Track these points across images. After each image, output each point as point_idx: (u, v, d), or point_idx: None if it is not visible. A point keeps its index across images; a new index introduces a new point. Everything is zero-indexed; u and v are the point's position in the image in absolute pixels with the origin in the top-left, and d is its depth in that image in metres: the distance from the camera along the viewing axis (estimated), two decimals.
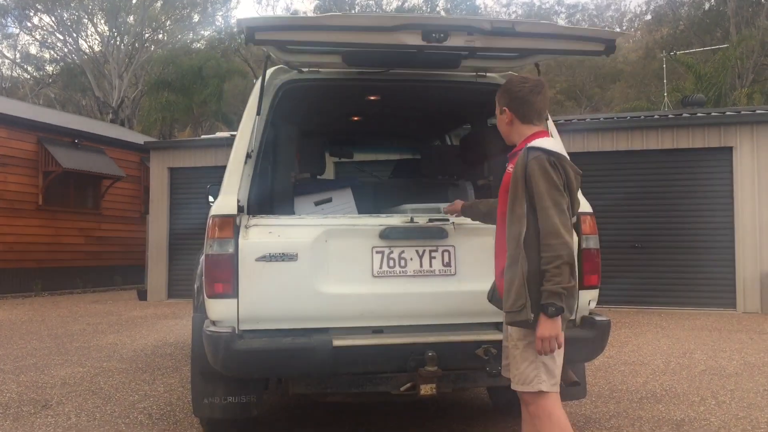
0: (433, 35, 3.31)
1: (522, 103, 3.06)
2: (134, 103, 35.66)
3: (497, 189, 4.49)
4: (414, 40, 3.35)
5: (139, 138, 21.87)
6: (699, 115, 13.19)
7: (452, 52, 3.73)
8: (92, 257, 18.25)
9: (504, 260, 3.01)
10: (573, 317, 3.03)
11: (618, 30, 39.44)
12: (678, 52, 26.44)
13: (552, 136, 3.15)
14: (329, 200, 4.72)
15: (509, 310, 2.88)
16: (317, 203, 4.69)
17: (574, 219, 3.29)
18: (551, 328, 2.78)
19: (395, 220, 3.76)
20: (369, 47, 3.55)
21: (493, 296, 3.26)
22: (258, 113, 3.85)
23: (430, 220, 3.76)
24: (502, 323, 3.27)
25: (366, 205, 4.94)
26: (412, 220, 3.73)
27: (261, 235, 3.52)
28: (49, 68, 41.05)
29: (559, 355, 2.94)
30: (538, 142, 2.96)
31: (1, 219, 15.82)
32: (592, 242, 3.83)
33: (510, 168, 3.05)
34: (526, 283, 2.83)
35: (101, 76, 36.11)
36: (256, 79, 3.98)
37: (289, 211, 4.35)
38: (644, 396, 5.58)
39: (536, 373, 2.89)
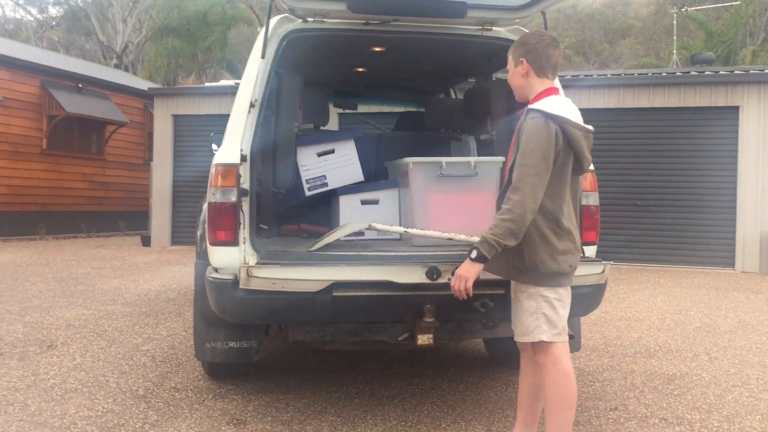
0: None
1: (539, 56, 3.07)
2: (138, 49, 35.31)
3: (500, 144, 4.53)
4: None
5: (143, 84, 21.75)
6: (707, 73, 13.07)
7: None
8: (96, 202, 18.34)
9: None
10: (571, 273, 3.04)
11: None
12: (689, 8, 26.04)
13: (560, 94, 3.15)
14: (332, 152, 4.74)
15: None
16: (320, 154, 4.72)
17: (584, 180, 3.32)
18: (467, 269, 2.94)
19: (412, 274, 3.42)
20: None
21: None
22: (262, 58, 3.84)
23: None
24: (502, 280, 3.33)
25: (368, 157, 4.96)
26: (433, 276, 3.38)
27: (264, 285, 3.39)
28: (53, 11, 40.61)
29: (564, 306, 3.01)
30: (539, 104, 2.98)
31: (5, 162, 15.85)
32: (592, 199, 3.87)
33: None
34: None
35: (105, 20, 35.69)
36: (261, 27, 3.95)
37: (292, 161, 4.37)
38: (638, 351, 5.68)
39: (537, 324, 2.97)
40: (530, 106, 3.01)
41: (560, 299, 3.00)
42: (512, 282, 3.12)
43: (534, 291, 2.98)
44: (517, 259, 2.97)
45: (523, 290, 3.02)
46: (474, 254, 2.90)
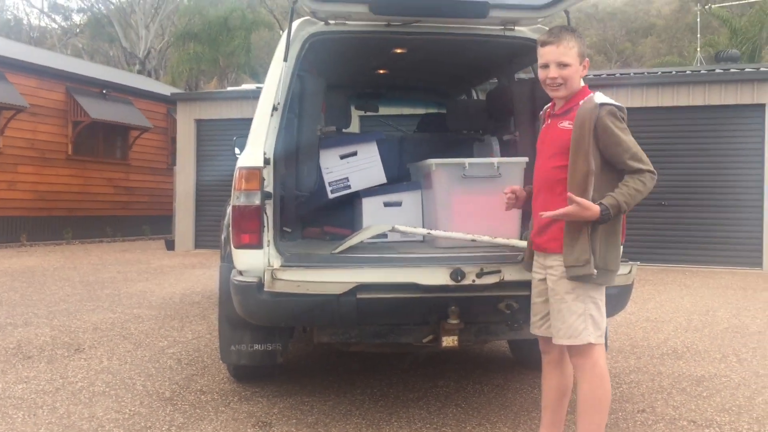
0: None
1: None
2: (161, 54, 35.66)
3: (523, 144, 4.50)
4: None
5: (165, 89, 21.94)
6: (732, 71, 12.89)
7: None
8: (121, 207, 18.53)
9: (542, 218, 2.98)
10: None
11: None
12: (713, 5, 25.71)
13: None
14: (354, 154, 4.75)
15: (573, 264, 2.85)
16: (342, 157, 4.72)
17: None
18: (581, 214, 2.80)
19: (437, 275, 3.45)
20: None
21: (525, 258, 3.28)
22: (285, 61, 3.84)
23: (480, 274, 3.46)
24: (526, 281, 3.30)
25: (391, 159, 4.96)
26: (457, 278, 3.43)
27: (289, 287, 3.42)
28: (77, 18, 41.15)
29: (604, 306, 2.97)
30: (603, 98, 2.96)
31: (33, 168, 16.07)
32: None
33: (566, 124, 2.97)
34: (590, 238, 2.84)
35: (128, 27, 36.09)
36: (283, 31, 3.96)
37: (315, 164, 4.38)
38: (665, 352, 5.61)
39: (584, 326, 2.90)
40: (602, 101, 2.92)
41: (603, 299, 2.96)
42: (556, 285, 2.96)
43: (582, 292, 2.89)
44: (586, 258, 2.83)
45: (569, 291, 2.90)
46: (603, 215, 2.78)
